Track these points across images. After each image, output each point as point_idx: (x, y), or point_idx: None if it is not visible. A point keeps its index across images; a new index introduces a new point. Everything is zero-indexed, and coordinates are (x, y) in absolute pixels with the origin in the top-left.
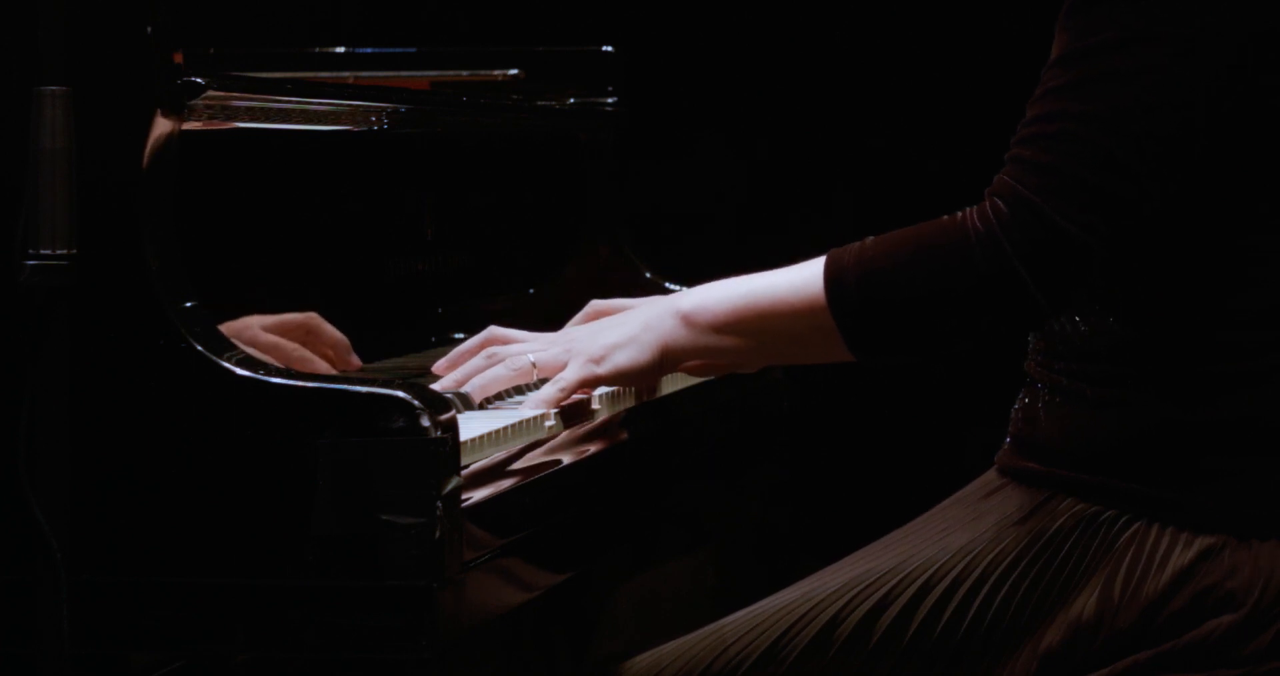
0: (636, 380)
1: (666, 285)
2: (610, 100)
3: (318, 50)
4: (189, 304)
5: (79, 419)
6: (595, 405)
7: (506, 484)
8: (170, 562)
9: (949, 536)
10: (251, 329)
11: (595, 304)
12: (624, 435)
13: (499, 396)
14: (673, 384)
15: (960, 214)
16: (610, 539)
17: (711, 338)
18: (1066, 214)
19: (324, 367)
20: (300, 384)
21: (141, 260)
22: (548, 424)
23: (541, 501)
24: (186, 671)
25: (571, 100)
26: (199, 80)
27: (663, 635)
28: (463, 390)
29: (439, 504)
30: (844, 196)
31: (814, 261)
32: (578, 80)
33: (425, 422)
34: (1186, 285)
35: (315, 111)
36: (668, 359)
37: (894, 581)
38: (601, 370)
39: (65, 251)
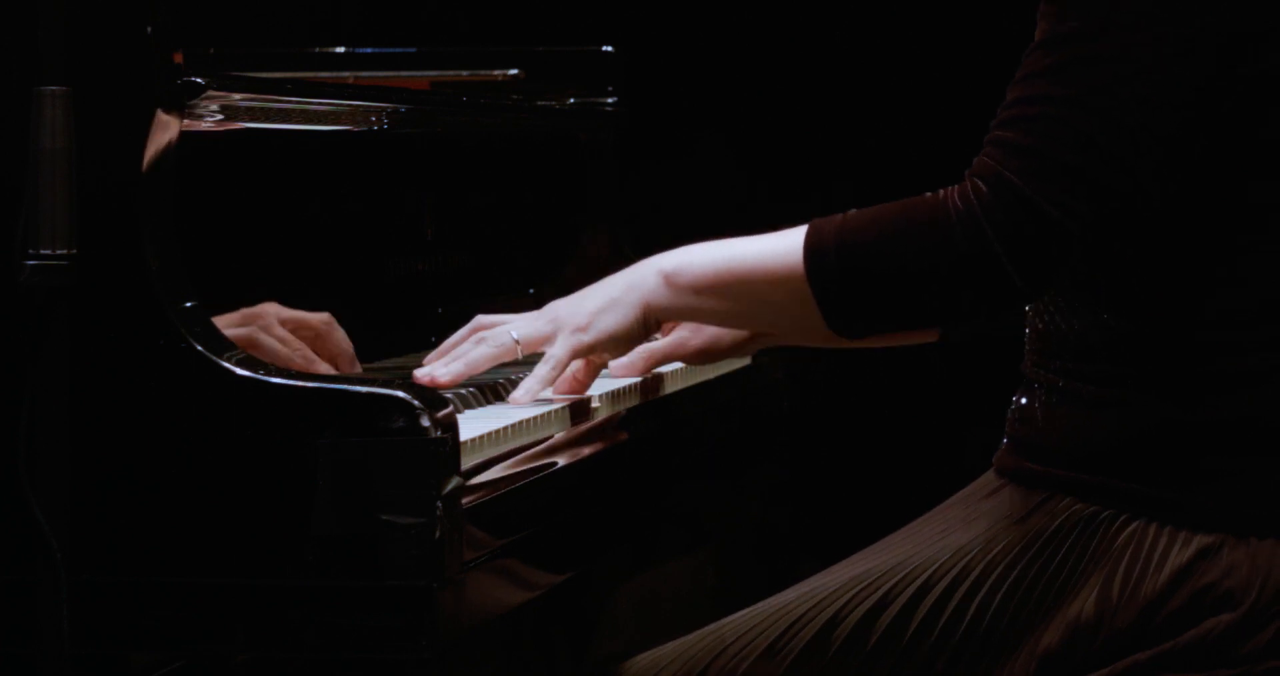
0: (623, 341)
1: None
2: (610, 100)
3: (318, 50)
4: (189, 304)
5: (79, 419)
6: (595, 404)
7: (506, 484)
8: (170, 562)
9: (948, 537)
10: (267, 317)
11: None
12: (624, 435)
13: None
14: (673, 384)
15: (943, 192)
16: (610, 539)
17: (691, 299)
18: (1047, 196)
19: (324, 370)
20: (300, 384)
21: (141, 260)
22: (547, 423)
23: (541, 501)
24: (186, 671)
25: (571, 100)
26: (199, 80)
27: (663, 635)
28: (448, 371)
29: (439, 504)
30: (843, 196)
31: (797, 229)
32: (578, 80)
33: (425, 422)
34: (1178, 280)
35: (315, 111)
36: (650, 318)
37: (893, 581)
38: (588, 337)
39: (65, 251)
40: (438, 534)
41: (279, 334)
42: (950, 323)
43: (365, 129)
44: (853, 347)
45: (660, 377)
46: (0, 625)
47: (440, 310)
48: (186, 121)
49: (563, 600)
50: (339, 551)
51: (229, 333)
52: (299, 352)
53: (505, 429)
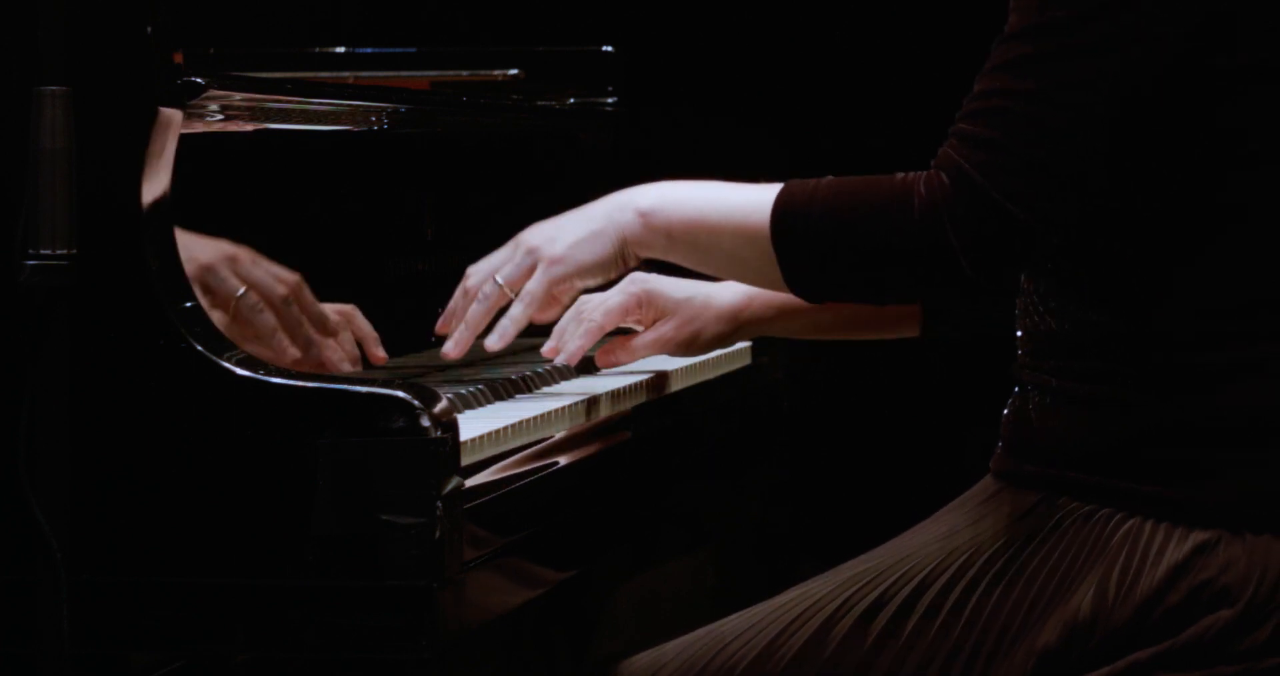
0: (599, 272)
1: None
2: (610, 100)
3: (318, 50)
4: (189, 304)
5: (79, 419)
6: (595, 405)
7: (507, 484)
8: (170, 562)
9: (944, 538)
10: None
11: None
12: (624, 435)
13: (530, 386)
14: (677, 383)
15: (910, 177)
16: (610, 539)
17: (663, 240)
18: (1005, 192)
19: (334, 357)
20: (300, 384)
21: (141, 260)
22: (548, 423)
23: (541, 501)
24: (186, 671)
25: (571, 100)
26: (199, 80)
27: (663, 635)
28: (456, 345)
29: (439, 504)
30: None
31: (772, 187)
32: (578, 80)
33: (425, 422)
34: (1158, 274)
35: (315, 111)
36: (628, 253)
37: (889, 580)
38: (565, 269)
39: (65, 251)
40: (438, 534)
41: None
42: (904, 301)
43: (365, 129)
44: (839, 339)
45: (666, 376)
46: (0, 625)
47: (440, 310)
48: (186, 121)
49: (563, 600)
50: (339, 551)
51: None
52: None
53: (505, 428)
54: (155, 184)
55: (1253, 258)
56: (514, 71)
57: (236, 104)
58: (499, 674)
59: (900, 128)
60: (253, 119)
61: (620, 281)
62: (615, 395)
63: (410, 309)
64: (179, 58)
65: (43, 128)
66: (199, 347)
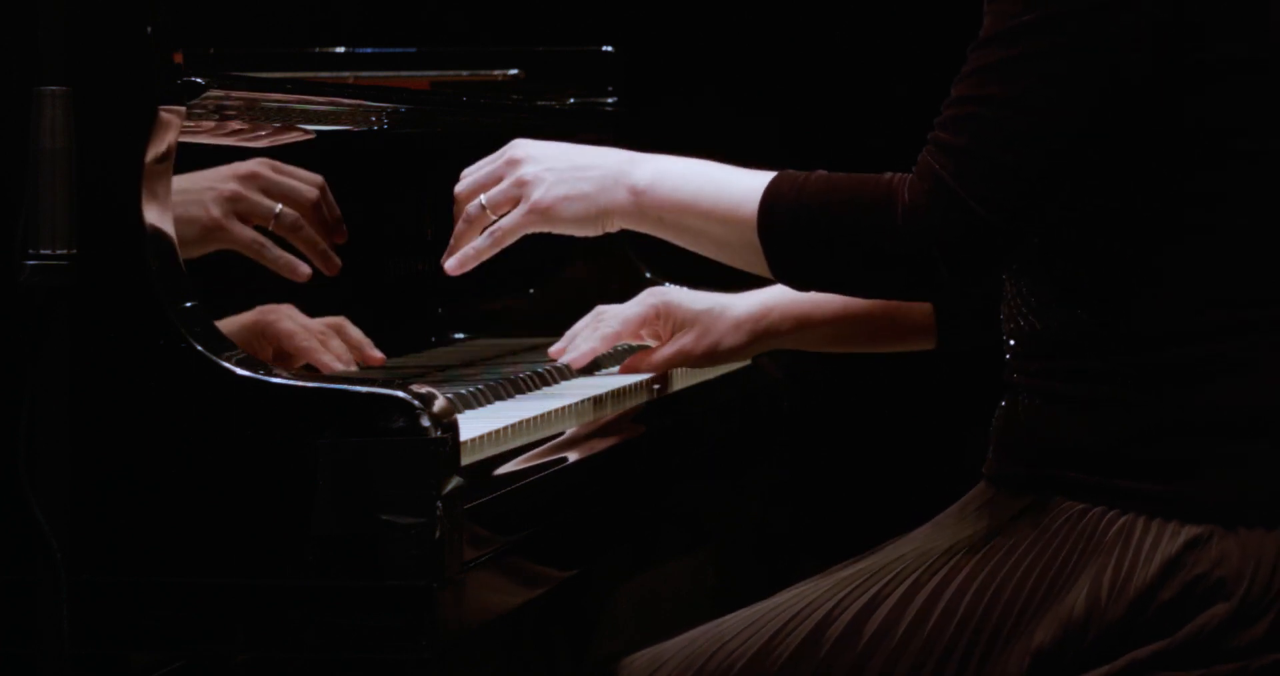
0: (574, 230)
1: (666, 285)
2: (610, 100)
3: (318, 50)
4: (189, 304)
5: (79, 419)
6: (595, 405)
7: (506, 484)
8: (170, 562)
9: (938, 540)
10: (280, 312)
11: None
12: (624, 435)
13: (530, 386)
14: (679, 382)
15: (896, 179)
16: (610, 539)
17: (651, 220)
18: (981, 197)
19: (329, 363)
20: (300, 384)
21: (141, 260)
22: (549, 422)
23: (541, 501)
24: (186, 671)
25: (571, 100)
26: (199, 80)
27: (663, 635)
28: (458, 265)
29: (439, 504)
30: None
31: (762, 176)
32: (578, 80)
33: (425, 422)
34: (1137, 272)
35: (315, 111)
36: (609, 223)
37: (884, 580)
38: (545, 221)
39: (65, 251)
40: (438, 534)
41: (300, 321)
42: (880, 297)
43: (365, 129)
44: (855, 352)
45: (666, 376)
46: (0, 625)
47: (440, 310)
48: (186, 122)
49: (563, 600)
50: (339, 551)
51: (241, 321)
52: (318, 335)
53: (505, 428)
54: (155, 184)
55: (1231, 251)
56: (514, 71)
57: (237, 104)
58: (499, 674)
59: (899, 132)
60: (253, 119)
61: (639, 294)
62: (615, 395)
63: (410, 309)
64: (179, 58)
65: (43, 128)
66: (199, 348)
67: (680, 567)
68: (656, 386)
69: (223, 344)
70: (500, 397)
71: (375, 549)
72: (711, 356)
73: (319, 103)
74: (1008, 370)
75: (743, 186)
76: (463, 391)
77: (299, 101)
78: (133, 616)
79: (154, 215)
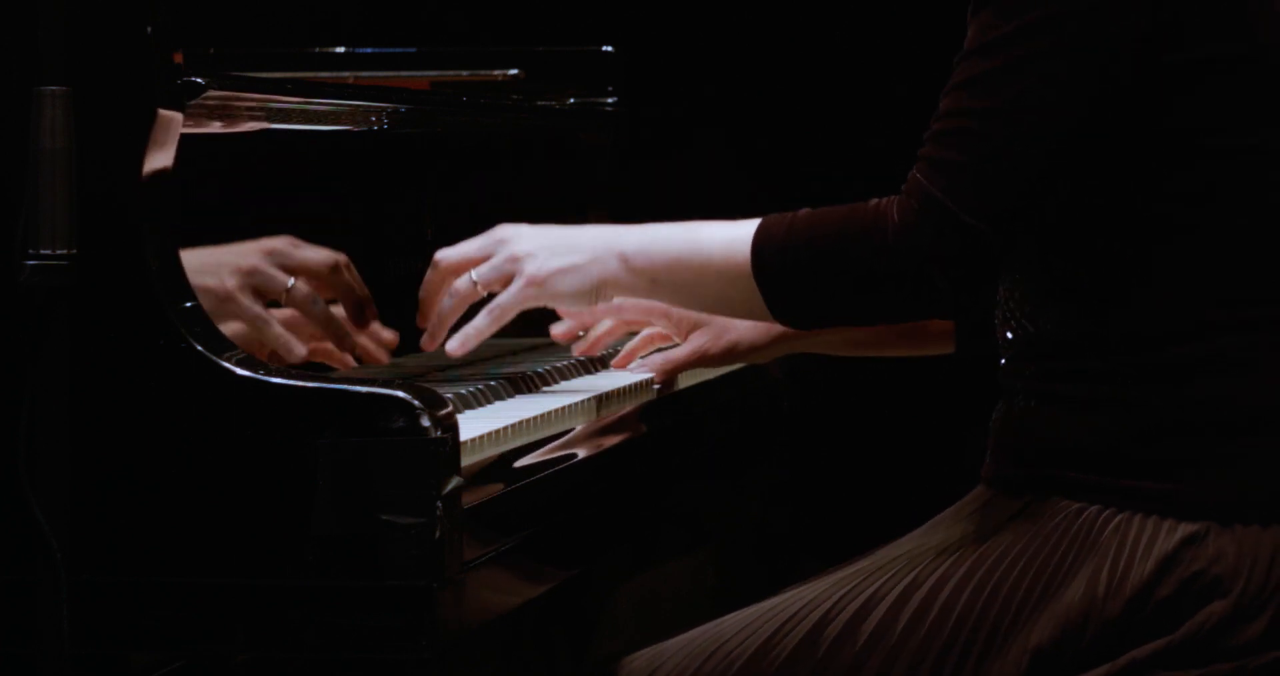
0: (570, 304)
1: None
2: (610, 100)
3: (318, 50)
4: (189, 304)
5: (79, 419)
6: (595, 405)
7: (506, 484)
8: (170, 562)
9: (936, 543)
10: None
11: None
12: (624, 435)
13: (534, 387)
14: (674, 383)
15: (883, 203)
16: (610, 539)
17: (646, 283)
18: (972, 211)
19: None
20: (300, 384)
21: (141, 260)
22: (549, 422)
23: (541, 501)
24: (186, 671)
25: (571, 100)
26: (199, 80)
27: (662, 635)
28: (432, 341)
29: (439, 504)
30: (844, 197)
31: (748, 225)
32: (578, 80)
33: (425, 422)
34: (1126, 271)
35: (315, 111)
36: (604, 293)
37: (881, 580)
38: (540, 294)
39: (65, 251)
40: (438, 534)
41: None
42: (884, 322)
43: (365, 129)
44: (874, 356)
45: (674, 376)
46: (0, 625)
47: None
48: (186, 122)
49: (563, 600)
50: (339, 551)
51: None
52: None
53: (505, 428)
54: (155, 184)
55: (1229, 250)
56: (514, 71)
57: (237, 104)
58: (499, 674)
59: (900, 132)
60: (253, 119)
61: None
62: (616, 395)
63: (410, 309)
64: (179, 58)
65: (43, 128)
66: (199, 348)
67: (680, 567)
68: (657, 386)
69: (223, 344)
70: (500, 397)
71: (375, 549)
72: (730, 355)
73: (319, 103)
74: (1004, 373)
75: (730, 235)
76: (463, 391)
77: (299, 101)
78: (133, 616)
79: (154, 215)
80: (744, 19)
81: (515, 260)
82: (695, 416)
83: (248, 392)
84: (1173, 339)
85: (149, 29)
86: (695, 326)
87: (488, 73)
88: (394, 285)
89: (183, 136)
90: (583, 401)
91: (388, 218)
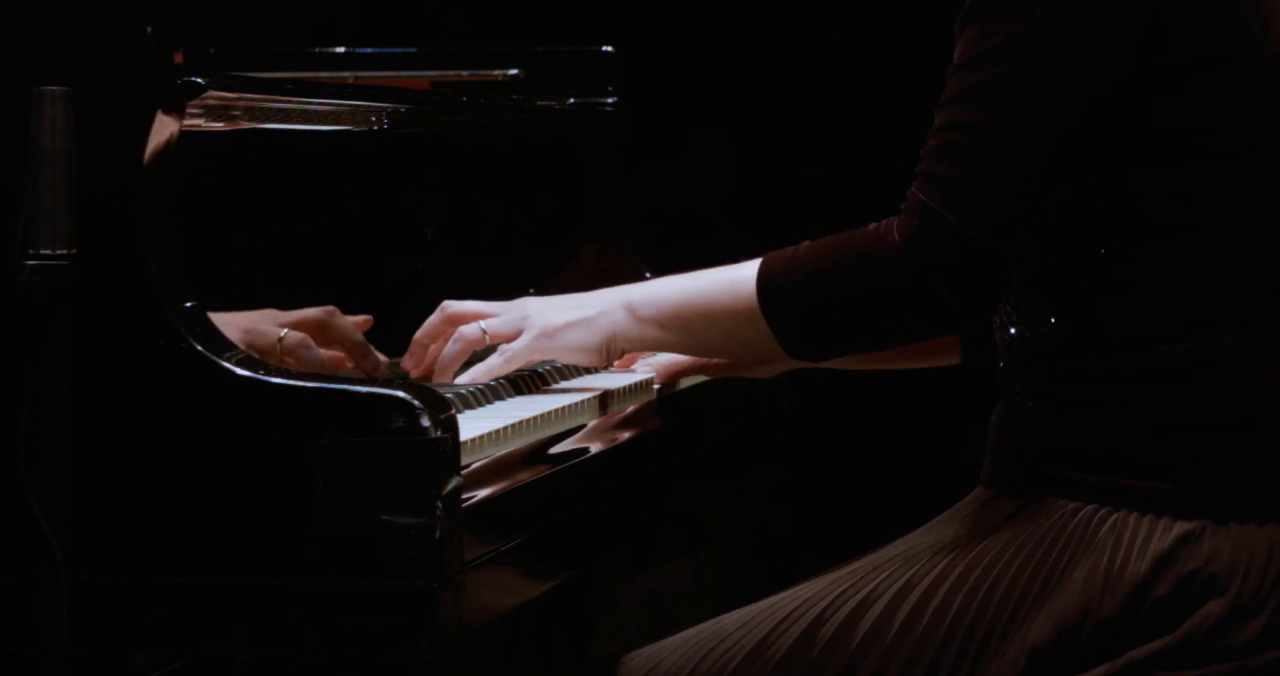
0: (581, 358)
1: None
2: (610, 100)
3: (318, 50)
4: (189, 304)
5: (79, 419)
6: (595, 405)
7: (506, 484)
8: (170, 562)
9: (933, 543)
10: (266, 326)
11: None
12: (624, 435)
13: (534, 387)
14: (679, 383)
15: (883, 226)
16: (610, 539)
17: (655, 331)
18: (973, 224)
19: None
20: (300, 384)
21: (141, 260)
22: (549, 422)
23: (541, 501)
24: (186, 671)
25: (571, 100)
26: (199, 80)
27: (662, 635)
28: (422, 364)
29: (439, 504)
30: (844, 196)
31: (750, 264)
32: (578, 80)
33: (425, 422)
34: (1123, 272)
35: (315, 111)
36: (615, 346)
37: (878, 579)
38: (551, 345)
39: (65, 251)
40: (438, 534)
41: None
42: (897, 345)
43: (365, 129)
44: (883, 369)
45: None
46: (0, 625)
47: None
48: (186, 121)
49: (563, 600)
50: (339, 551)
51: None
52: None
53: (505, 428)
54: (155, 184)
55: (1227, 249)
56: (514, 71)
57: (237, 104)
58: (499, 674)
59: (900, 132)
60: (253, 119)
61: None
62: (616, 395)
63: (410, 309)
64: (179, 58)
65: (43, 128)
66: (199, 348)
67: (680, 567)
68: (658, 386)
69: (223, 344)
70: (500, 397)
71: (375, 549)
72: (735, 368)
73: (319, 103)
74: (1003, 375)
75: (734, 275)
76: (463, 391)
77: (299, 101)
78: (133, 616)
79: (154, 215)
80: (744, 19)
81: (526, 317)
82: (695, 416)
83: (248, 392)
84: (1172, 338)
85: (149, 29)
86: None
87: (488, 73)
88: (394, 285)
89: (183, 136)
90: (583, 401)
91: (388, 218)
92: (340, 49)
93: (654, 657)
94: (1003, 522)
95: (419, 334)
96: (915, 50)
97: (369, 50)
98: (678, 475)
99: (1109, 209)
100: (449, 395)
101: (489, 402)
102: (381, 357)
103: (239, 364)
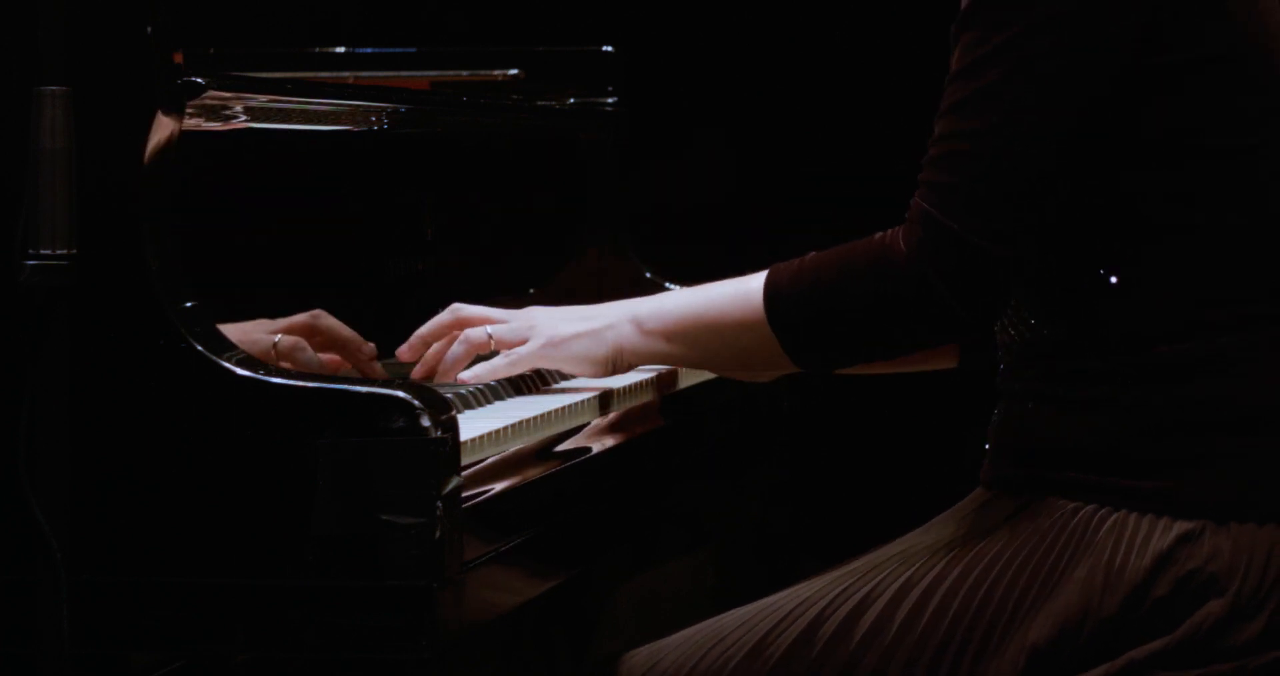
0: (588, 371)
1: (666, 284)
2: (610, 100)
3: (318, 50)
4: (189, 304)
5: (79, 419)
6: (595, 405)
7: (507, 484)
8: (170, 562)
9: (932, 542)
10: (258, 334)
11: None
12: (624, 434)
13: (534, 387)
14: (676, 383)
15: (889, 235)
16: (610, 539)
17: (662, 344)
18: (976, 231)
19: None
20: (300, 384)
21: (141, 260)
22: (549, 422)
23: (542, 501)
24: (186, 671)
25: (571, 100)
26: (199, 80)
27: (662, 635)
28: (421, 360)
29: (439, 504)
30: (844, 196)
31: (757, 276)
32: (578, 80)
33: (425, 422)
34: (1123, 273)
35: (315, 111)
36: (621, 359)
37: (877, 579)
38: (557, 354)
39: (65, 251)
40: (438, 534)
41: (287, 344)
42: (905, 354)
43: (365, 129)
44: (881, 374)
45: (675, 373)
46: (0, 625)
47: (440, 310)
48: (186, 121)
49: (563, 600)
50: (339, 551)
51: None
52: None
53: (505, 428)
54: (155, 184)
55: (1223, 249)
56: (514, 71)
57: (236, 104)
58: (499, 674)
59: (901, 124)
60: (253, 119)
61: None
62: (616, 395)
63: (410, 309)
64: (179, 58)
65: (43, 128)
66: (199, 348)
67: (680, 567)
68: (656, 386)
69: (223, 344)
70: (500, 397)
71: (375, 549)
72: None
73: (319, 103)
74: (1003, 377)
75: (740, 287)
76: (463, 391)
77: (299, 101)
78: (133, 616)
79: (154, 215)
80: (744, 19)
81: (532, 326)
82: (695, 416)
83: (248, 392)
84: (1172, 338)
85: (149, 29)
86: None
87: (488, 73)
88: (394, 285)
89: (183, 136)
90: (583, 401)
91: (388, 218)
92: (340, 49)
93: (654, 656)
94: (1002, 522)
95: (424, 330)
96: (915, 50)
97: (369, 50)
98: (678, 475)
99: (1109, 209)
100: (449, 395)
101: (489, 403)
102: (370, 348)
103: (239, 364)
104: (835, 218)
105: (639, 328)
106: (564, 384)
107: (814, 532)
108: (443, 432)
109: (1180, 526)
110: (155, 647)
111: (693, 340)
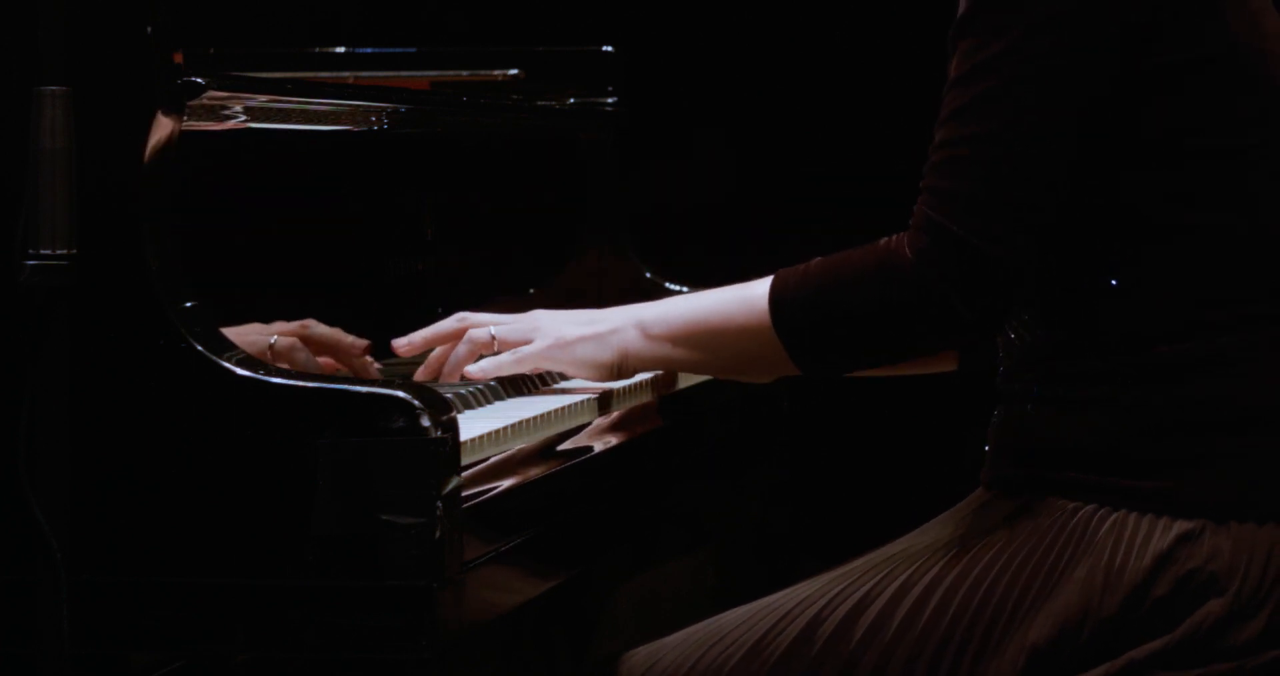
0: (592, 375)
1: (666, 285)
2: (610, 100)
3: (318, 50)
4: (189, 304)
5: (79, 419)
6: (595, 405)
7: (506, 484)
8: (170, 562)
9: (932, 542)
10: (254, 336)
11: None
12: (625, 434)
13: (534, 387)
14: (676, 383)
15: (894, 241)
16: (610, 539)
17: (667, 349)
18: (981, 235)
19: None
20: (300, 384)
21: (141, 260)
22: (549, 423)
23: (541, 501)
24: (186, 671)
25: (571, 100)
26: (199, 80)
27: (662, 635)
28: (426, 361)
29: (439, 504)
30: (845, 196)
31: (762, 282)
32: (578, 80)
33: (425, 422)
34: (1123, 273)
35: (315, 111)
36: (626, 364)
37: (876, 578)
38: (562, 356)
39: (65, 251)
40: (438, 534)
41: (283, 345)
42: (911, 359)
43: (365, 129)
44: (881, 377)
45: (674, 375)
46: (0, 625)
47: (440, 310)
48: (186, 121)
49: (563, 600)
50: (339, 551)
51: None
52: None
53: (505, 428)
54: (155, 184)
55: (1222, 249)
56: (514, 71)
57: (236, 104)
58: (499, 674)
59: (900, 125)
60: (252, 119)
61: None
62: (615, 395)
63: (410, 309)
64: (179, 58)
65: (43, 128)
66: (199, 347)
67: (680, 567)
68: (657, 386)
69: (223, 344)
70: (500, 397)
71: (375, 549)
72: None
73: (319, 103)
74: (1003, 378)
75: (745, 292)
76: (463, 391)
77: (299, 101)
78: (133, 616)
79: (154, 215)
80: (744, 19)
81: (537, 328)
82: (695, 416)
83: (248, 392)
84: (1172, 339)
85: (149, 29)
86: None
87: (488, 73)
88: (394, 285)
89: (183, 136)
90: (583, 401)
91: (388, 218)
92: (340, 49)
93: (654, 655)
94: (1002, 522)
95: (428, 332)
96: (915, 50)
97: (369, 50)
98: (678, 475)
99: (1108, 210)
100: (449, 395)
101: (489, 402)
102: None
103: (239, 364)
104: (835, 218)
105: (644, 333)
106: (564, 384)
107: (814, 532)
108: (443, 432)
109: (1180, 526)
110: (155, 647)
111: (698, 345)
